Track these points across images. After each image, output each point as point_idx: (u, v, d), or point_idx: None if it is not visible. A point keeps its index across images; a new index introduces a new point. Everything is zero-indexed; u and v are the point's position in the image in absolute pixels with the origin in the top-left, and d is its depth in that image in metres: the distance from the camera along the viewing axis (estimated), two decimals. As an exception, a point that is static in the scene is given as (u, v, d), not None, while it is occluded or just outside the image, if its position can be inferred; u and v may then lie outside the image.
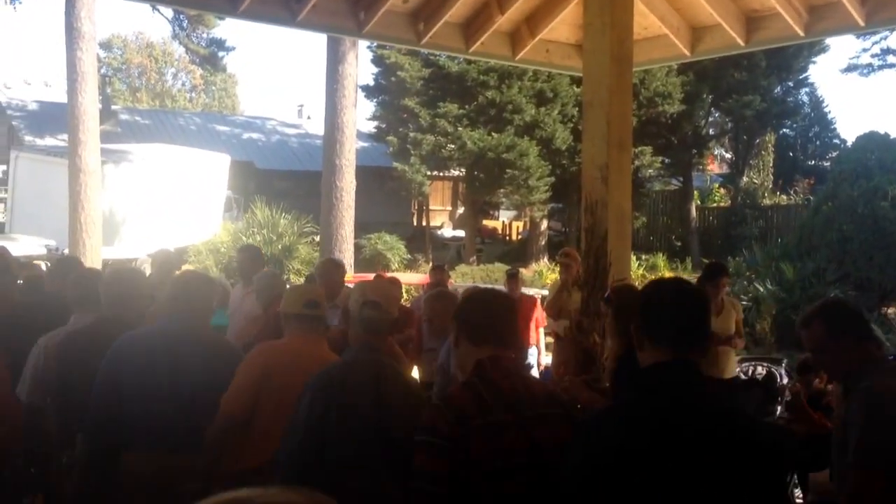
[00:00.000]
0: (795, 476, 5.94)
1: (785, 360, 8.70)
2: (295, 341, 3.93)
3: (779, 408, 7.71)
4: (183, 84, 61.37)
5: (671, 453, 2.25)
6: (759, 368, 8.25)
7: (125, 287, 4.55)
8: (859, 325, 3.41)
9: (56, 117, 28.40)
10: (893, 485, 3.11)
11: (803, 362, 5.27)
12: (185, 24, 31.03)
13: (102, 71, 38.00)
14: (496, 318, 2.87)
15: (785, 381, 8.09)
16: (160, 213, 22.33)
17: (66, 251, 17.67)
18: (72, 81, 17.42)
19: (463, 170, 27.21)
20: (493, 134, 23.96)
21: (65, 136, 20.71)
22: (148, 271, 20.07)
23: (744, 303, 13.92)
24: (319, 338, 3.95)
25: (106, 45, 54.51)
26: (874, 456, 3.12)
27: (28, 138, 29.95)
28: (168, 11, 29.58)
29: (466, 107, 24.44)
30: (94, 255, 17.24)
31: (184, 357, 3.88)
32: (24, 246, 16.61)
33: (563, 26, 8.03)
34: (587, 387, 4.88)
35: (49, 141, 28.97)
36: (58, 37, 18.01)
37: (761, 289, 15.18)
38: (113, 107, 34.38)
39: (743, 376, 7.99)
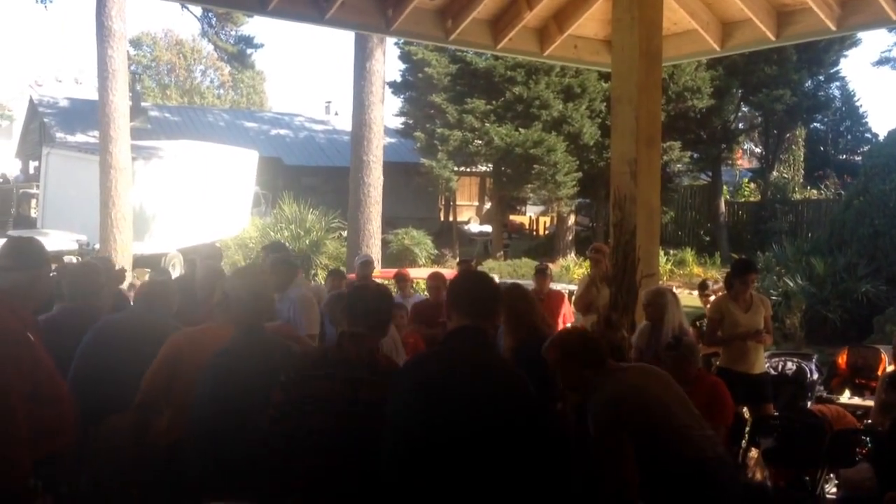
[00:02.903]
0: (827, 472, 5.92)
1: (815, 356, 8.61)
2: (210, 326, 4.44)
3: (809, 403, 7.67)
4: (211, 81, 61.85)
5: (449, 394, 3.08)
6: (789, 364, 8.17)
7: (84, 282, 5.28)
8: (585, 354, 4.19)
9: (87, 114, 28.73)
10: (653, 456, 3.97)
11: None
12: (213, 22, 31.21)
13: (132, 68, 38.37)
14: (369, 306, 3.64)
15: (815, 376, 8.02)
16: (189, 209, 22.52)
17: (97, 246, 17.89)
18: (103, 79, 17.61)
19: (490, 165, 27.18)
20: (520, 129, 23.93)
21: (95, 133, 20.94)
22: (177, 266, 20.27)
23: (774, 298, 13.81)
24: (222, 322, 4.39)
25: (136, 43, 54.98)
26: (610, 452, 4.03)
27: (59, 135, 30.28)
28: (197, 9, 29.78)
29: (494, 102, 24.41)
30: (125, 251, 17.44)
31: (142, 338, 4.58)
32: (55, 241, 16.83)
33: (591, 22, 8.03)
34: None
35: (80, 138, 29.28)
36: (88, 35, 18.28)
37: (791, 284, 15.03)
38: (143, 104, 34.67)
39: (773, 371, 7.92)
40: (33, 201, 27.58)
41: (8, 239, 4.17)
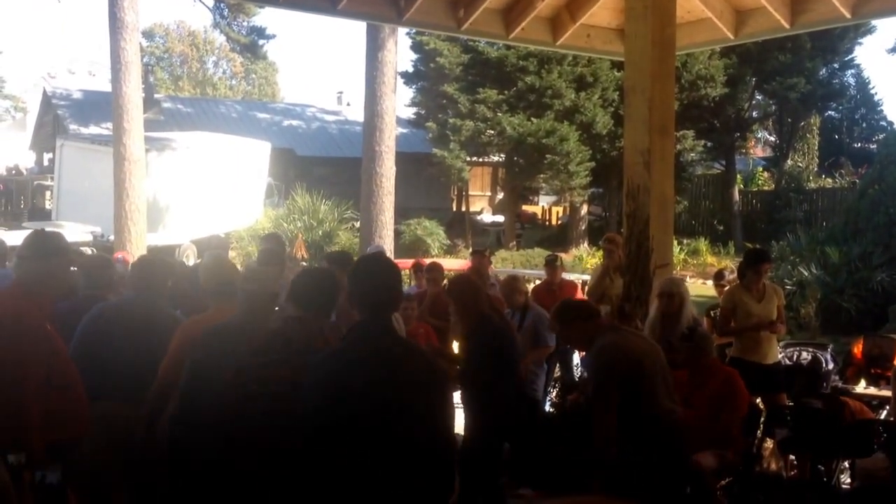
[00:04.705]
0: (844, 462, 5.91)
1: (830, 346, 8.57)
2: (213, 313, 4.59)
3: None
4: (224, 72, 61.94)
5: (360, 387, 3.05)
6: (804, 353, 8.14)
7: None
8: (581, 311, 4.77)
9: (100, 106, 28.82)
10: (626, 413, 4.33)
11: None
12: (225, 13, 31.22)
13: (145, 60, 38.40)
14: (312, 290, 3.68)
15: (830, 366, 7.99)
16: (203, 200, 22.58)
17: (112, 238, 17.97)
18: (116, 71, 17.64)
19: (502, 155, 27.13)
20: (532, 119, 23.86)
21: (109, 125, 20.99)
22: (191, 257, 20.35)
23: (788, 287, 13.77)
24: (233, 308, 4.50)
25: (148, 34, 55.12)
26: (602, 395, 4.39)
27: (73, 127, 30.39)
28: (209, 0, 29.81)
29: (506, 92, 24.34)
30: (139, 242, 17.49)
31: (140, 325, 4.73)
32: (70, 233, 16.92)
33: (604, 11, 7.98)
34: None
35: (94, 129, 29.40)
36: (100, 26, 18.29)
37: (806, 273, 14.97)
38: (156, 95, 34.75)
39: (787, 361, 7.90)
40: (48, 193, 27.74)
41: (31, 231, 4.23)
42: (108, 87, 21.58)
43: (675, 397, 4.64)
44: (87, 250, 15.33)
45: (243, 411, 3.51)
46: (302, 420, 3.19)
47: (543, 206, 34.57)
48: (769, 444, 6.29)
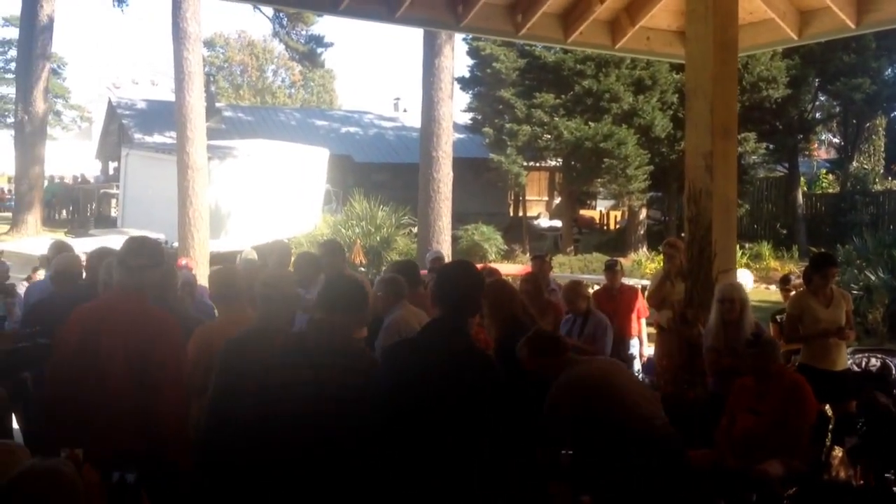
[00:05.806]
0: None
1: (900, 352, 8.36)
2: (222, 319, 4.74)
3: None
4: (283, 80, 62.82)
5: (426, 375, 3.36)
6: (873, 360, 7.94)
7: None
8: (554, 346, 4.69)
9: (163, 115, 29.41)
10: (608, 429, 4.41)
11: None
12: (284, 22, 31.65)
13: (206, 69, 39.09)
14: (337, 294, 3.79)
15: (901, 373, 7.79)
16: (263, 207, 22.91)
17: (176, 245, 18.31)
18: (179, 81, 17.97)
19: (560, 160, 26.99)
20: (590, 123, 23.70)
21: (172, 134, 21.42)
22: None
23: (855, 292, 13.45)
24: (240, 311, 4.65)
25: (209, 44, 56.11)
26: (546, 425, 4.52)
27: (137, 136, 31.05)
28: (269, 10, 30.23)
29: (563, 96, 24.23)
30: (202, 249, 17.79)
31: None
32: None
33: (663, 13, 7.91)
34: None
35: (157, 138, 30.00)
36: (162, 37, 18.65)
37: (873, 277, 14.61)
38: (217, 104, 35.33)
39: (856, 368, 7.72)
40: (113, 201, 28.41)
41: (131, 238, 4.29)
42: (170, 97, 22.04)
43: (659, 405, 4.69)
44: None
45: (269, 413, 3.59)
46: (372, 404, 3.45)
47: (601, 210, 34.34)
48: (838, 452, 6.14)
